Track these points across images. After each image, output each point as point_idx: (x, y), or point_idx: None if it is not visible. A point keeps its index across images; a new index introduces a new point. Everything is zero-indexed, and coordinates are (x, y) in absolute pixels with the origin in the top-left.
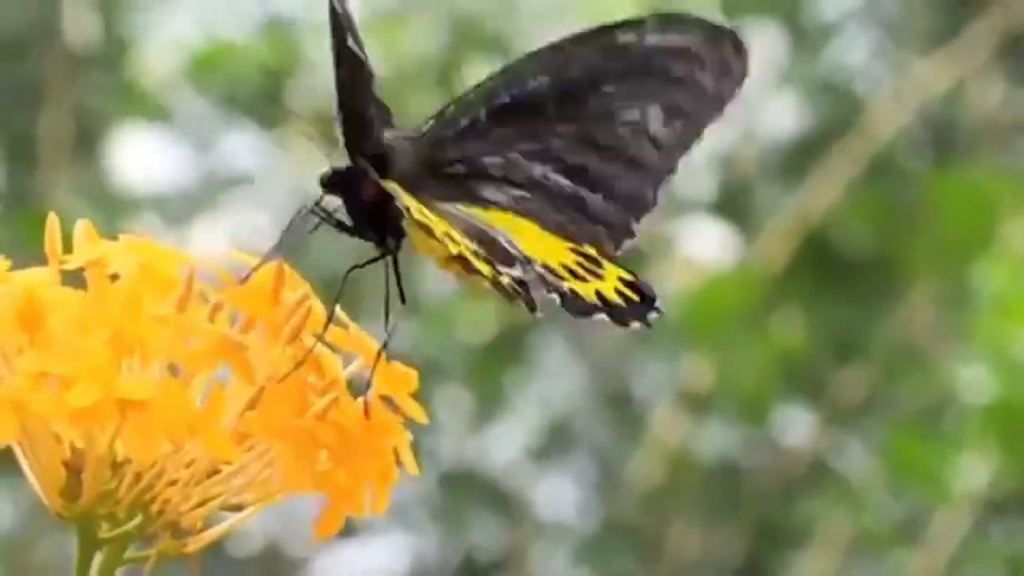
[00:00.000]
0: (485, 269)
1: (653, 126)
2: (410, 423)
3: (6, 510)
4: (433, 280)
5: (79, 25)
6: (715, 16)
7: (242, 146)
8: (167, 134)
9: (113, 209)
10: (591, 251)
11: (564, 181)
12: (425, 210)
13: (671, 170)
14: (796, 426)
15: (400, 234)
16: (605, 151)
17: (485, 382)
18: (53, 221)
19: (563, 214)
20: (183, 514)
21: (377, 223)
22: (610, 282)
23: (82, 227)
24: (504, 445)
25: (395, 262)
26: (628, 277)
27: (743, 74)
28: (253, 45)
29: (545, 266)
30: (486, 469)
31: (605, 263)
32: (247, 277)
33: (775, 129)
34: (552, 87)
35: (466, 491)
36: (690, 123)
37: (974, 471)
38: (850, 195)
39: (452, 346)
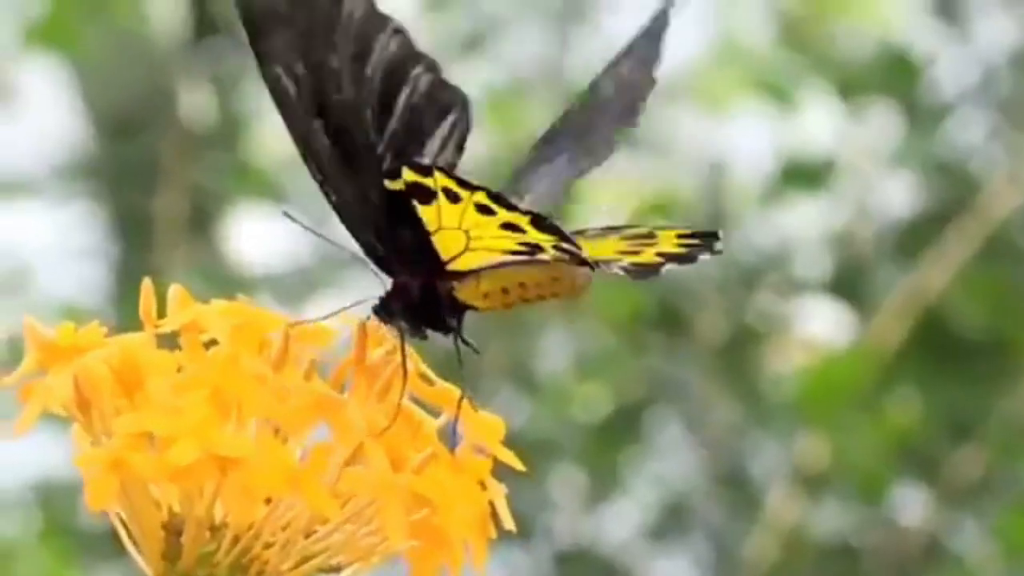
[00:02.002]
0: (548, 249)
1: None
2: (527, 503)
3: None
4: (548, 359)
5: (195, 105)
6: (828, 91)
7: None
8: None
9: (228, 288)
10: (645, 229)
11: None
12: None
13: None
14: (911, 506)
15: (457, 309)
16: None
17: (600, 461)
18: (148, 286)
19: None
20: (282, 575)
21: (434, 313)
22: (666, 243)
23: (175, 292)
24: (619, 524)
25: (458, 334)
26: (684, 230)
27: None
28: None
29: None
30: (601, 548)
31: (659, 233)
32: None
33: (890, 208)
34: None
35: (581, 570)
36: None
37: None
38: (965, 275)
39: (566, 425)
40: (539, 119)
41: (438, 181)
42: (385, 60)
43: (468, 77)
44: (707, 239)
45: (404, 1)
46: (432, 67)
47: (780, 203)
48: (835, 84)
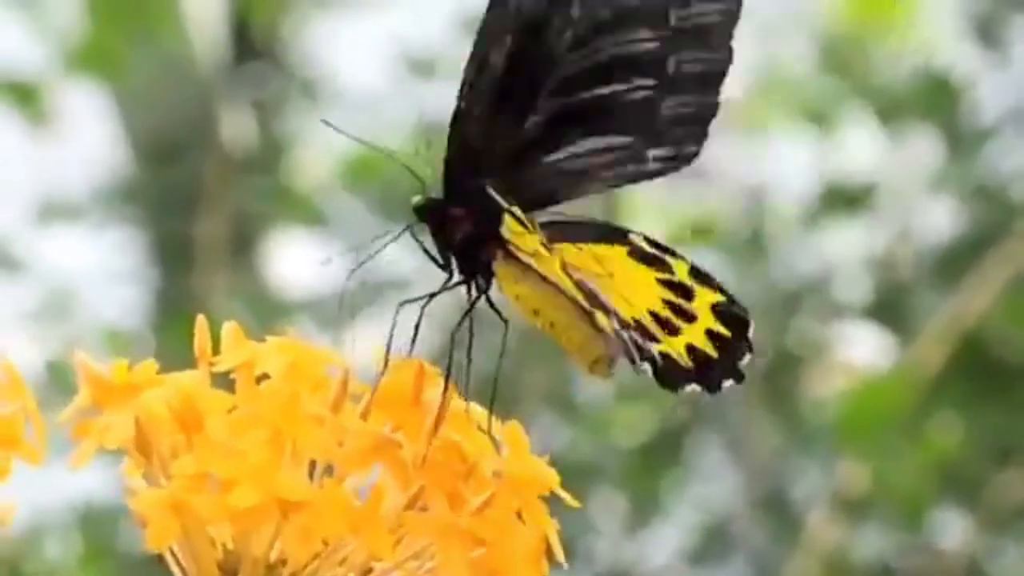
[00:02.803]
0: (603, 320)
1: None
2: (567, 526)
3: None
4: (588, 383)
5: (236, 129)
6: (869, 116)
7: (398, 250)
8: (322, 237)
9: (269, 313)
10: (680, 276)
11: (633, 95)
12: (545, 254)
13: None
14: (952, 530)
15: (490, 275)
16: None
17: (641, 484)
18: (202, 323)
19: (627, 132)
20: None
21: (467, 261)
22: (703, 321)
23: (230, 329)
24: (660, 548)
25: (472, 302)
26: (721, 301)
27: None
28: (407, 150)
29: (636, 322)
30: (642, 572)
31: (697, 289)
32: (385, 373)
33: (931, 232)
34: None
35: None
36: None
37: None
38: (1006, 299)
39: (608, 448)
40: None
41: None
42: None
43: None
44: (736, 344)
45: (449, 24)
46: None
47: (821, 227)
48: (876, 108)
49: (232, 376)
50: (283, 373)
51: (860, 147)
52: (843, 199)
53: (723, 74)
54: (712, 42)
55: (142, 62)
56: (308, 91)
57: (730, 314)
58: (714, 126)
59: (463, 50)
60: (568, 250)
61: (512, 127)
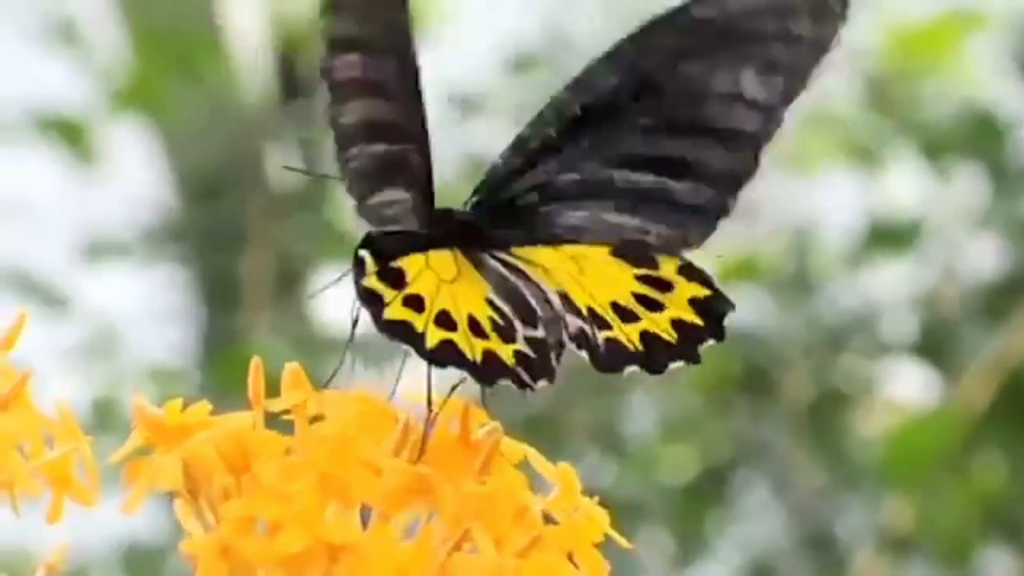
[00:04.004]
0: (477, 350)
1: (749, 90)
2: (614, 564)
3: None
4: (634, 421)
5: (281, 167)
6: (914, 153)
7: None
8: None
9: (314, 350)
10: (665, 272)
11: (646, 178)
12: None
13: (774, 128)
14: (997, 568)
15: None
16: (694, 133)
17: (686, 523)
18: (257, 365)
19: (642, 215)
20: None
21: None
22: (672, 310)
23: (290, 371)
24: None
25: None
26: (702, 293)
27: (843, 10)
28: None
29: (591, 311)
30: None
31: (679, 283)
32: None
33: (977, 270)
34: (625, 84)
35: None
36: (791, 73)
37: None
38: None
39: (653, 487)
40: None
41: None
42: None
43: None
44: (707, 327)
45: (487, 62)
46: None
47: (866, 265)
48: (921, 146)
49: (288, 417)
50: (339, 418)
51: (906, 185)
52: (889, 236)
53: (747, 177)
54: (742, 148)
55: (187, 100)
56: None
57: (707, 306)
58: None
59: (507, 88)
60: (543, 252)
61: (544, 174)
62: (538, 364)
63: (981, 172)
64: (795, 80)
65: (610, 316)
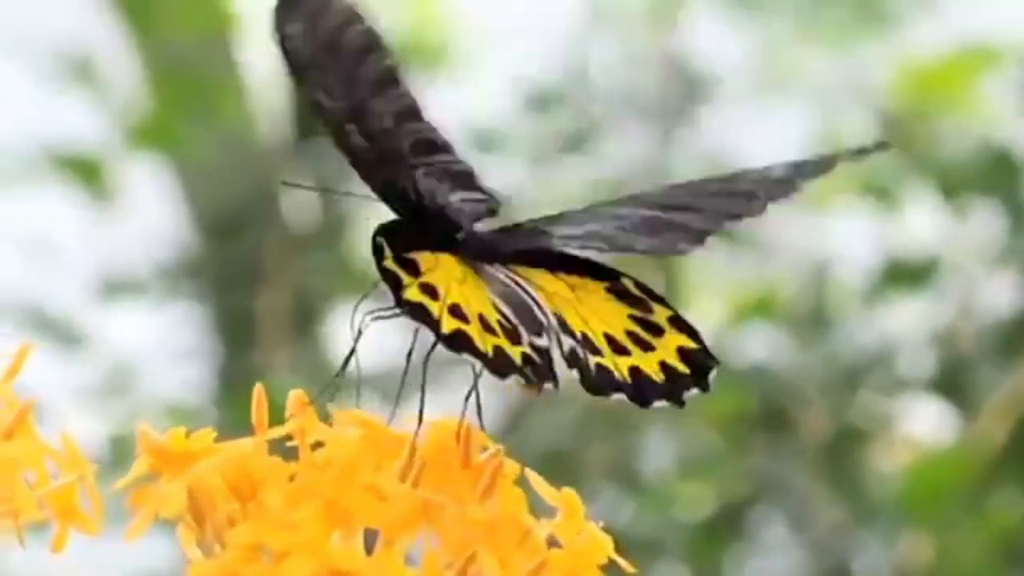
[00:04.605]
0: (488, 344)
1: (776, 172)
2: None
3: None
4: (652, 458)
5: (298, 205)
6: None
7: None
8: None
9: (331, 387)
10: (657, 318)
11: (651, 213)
12: (423, 283)
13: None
14: None
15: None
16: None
17: (704, 559)
18: (260, 392)
19: (636, 233)
20: None
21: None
22: (662, 353)
23: (294, 397)
24: None
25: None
26: (689, 346)
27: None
28: None
29: (584, 336)
30: None
31: (669, 331)
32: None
33: (994, 308)
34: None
35: None
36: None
37: None
38: None
39: (671, 524)
40: None
41: None
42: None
43: (571, 176)
44: (693, 377)
45: (505, 100)
46: None
47: (883, 302)
48: (938, 183)
49: (292, 443)
50: (340, 441)
51: (922, 222)
52: (905, 274)
53: (748, 217)
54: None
55: (204, 138)
56: None
57: (693, 358)
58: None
59: (526, 126)
60: (543, 275)
61: None
62: (544, 369)
63: (997, 209)
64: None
65: (602, 345)
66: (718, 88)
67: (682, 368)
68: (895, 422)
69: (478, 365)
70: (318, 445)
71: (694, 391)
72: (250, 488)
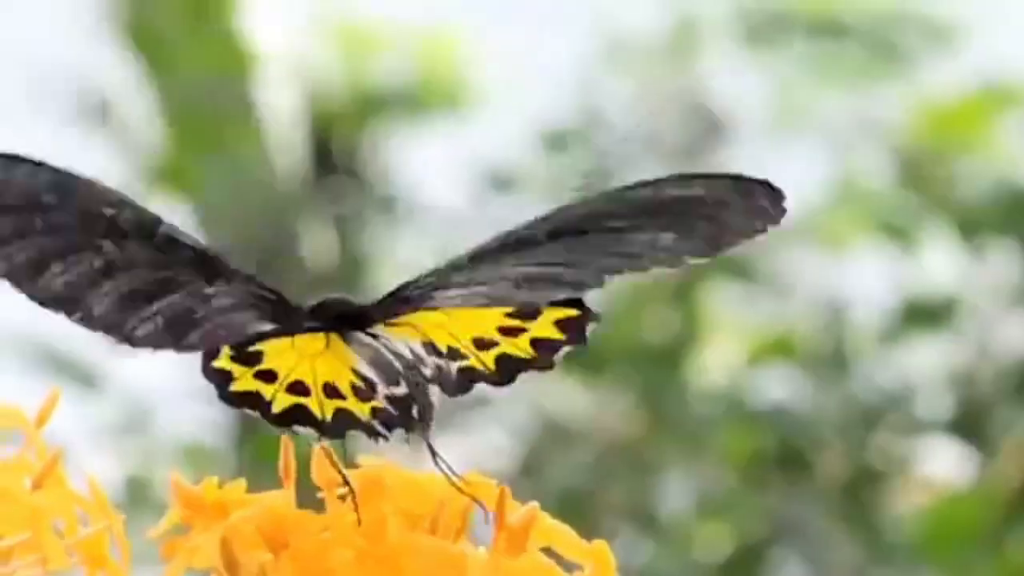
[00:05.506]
0: (328, 410)
1: (664, 242)
2: None
3: None
4: (669, 499)
5: (317, 244)
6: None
7: None
8: None
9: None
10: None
11: (536, 269)
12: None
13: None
14: None
15: None
16: (600, 253)
17: None
18: (287, 443)
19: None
20: None
21: None
22: (534, 331)
23: (320, 450)
24: None
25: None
26: (569, 314)
27: (778, 216)
28: None
29: (450, 349)
30: None
31: (547, 310)
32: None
33: (1012, 348)
34: (552, 230)
35: None
36: (710, 241)
37: None
38: None
39: (688, 565)
40: None
41: None
42: None
43: None
44: (569, 338)
45: (522, 140)
46: None
47: (901, 343)
48: (955, 223)
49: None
50: (371, 493)
51: (939, 262)
52: (923, 314)
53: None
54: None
55: (222, 178)
56: (387, 207)
57: (575, 323)
58: (795, 241)
59: (541, 166)
60: (418, 316)
61: None
62: (396, 417)
63: (1015, 249)
64: (713, 244)
65: (469, 350)
66: (735, 128)
67: (557, 335)
68: (913, 463)
69: (313, 433)
70: (345, 496)
71: (566, 349)
72: (283, 539)
